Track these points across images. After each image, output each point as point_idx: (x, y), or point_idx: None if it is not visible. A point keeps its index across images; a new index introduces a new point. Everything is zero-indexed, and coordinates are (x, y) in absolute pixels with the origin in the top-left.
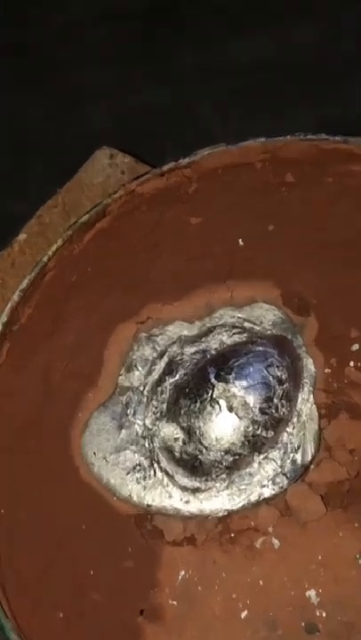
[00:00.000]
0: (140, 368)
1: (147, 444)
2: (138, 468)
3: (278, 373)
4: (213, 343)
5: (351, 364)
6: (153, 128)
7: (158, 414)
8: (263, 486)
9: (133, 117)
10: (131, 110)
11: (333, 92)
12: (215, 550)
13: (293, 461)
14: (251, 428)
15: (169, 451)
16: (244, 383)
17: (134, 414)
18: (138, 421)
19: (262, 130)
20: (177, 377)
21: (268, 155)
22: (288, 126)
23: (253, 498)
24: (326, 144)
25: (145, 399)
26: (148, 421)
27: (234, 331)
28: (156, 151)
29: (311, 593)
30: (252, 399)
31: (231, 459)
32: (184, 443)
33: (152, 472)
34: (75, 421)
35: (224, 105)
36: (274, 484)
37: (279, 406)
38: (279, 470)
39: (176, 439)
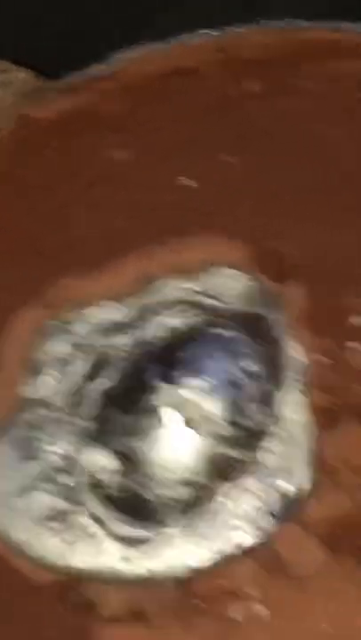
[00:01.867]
0: (51, 371)
1: (66, 481)
2: (55, 515)
3: (250, 366)
4: (154, 329)
5: (354, 344)
6: (64, 26)
7: (80, 436)
8: (237, 529)
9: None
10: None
11: None
12: (175, 628)
13: (280, 492)
14: (214, 447)
15: (99, 487)
16: (201, 383)
17: (46, 439)
18: (51, 448)
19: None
20: (105, 381)
21: (222, 55)
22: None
23: (225, 548)
24: (306, 33)
25: (60, 416)
26: (66, 447)
27: (182, 309)
28: (71, 62)
29: None
30: (214, 405)
31: (190, 493)
32: (120, 474)
33: (76, 520)
34: None
35: None
36: (254, 526)
37: (254, 413)
38: (261, 507)
39: (108, 470)
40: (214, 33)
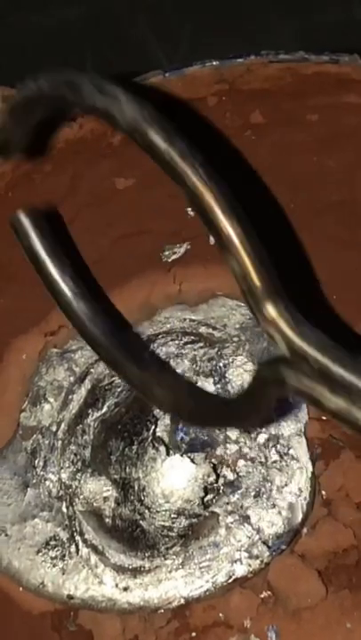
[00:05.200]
0: (51, 399)
1: (64, 509)
2: (53, 543)
3: None
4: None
5: None
6: (65, 54)
7: (79, 464)
8: (235, 561)
9: (37, 38)
10: (33, 29)
11: None
12: None
13: (277, 523)
14: (213, 478)
15: (96, 516)
16: None
17: (45, 466)
18: (50, 476)
19: (224, 51)
20: (104, 409)
21: (224, 85)
22: (262, 43)
23: (221, 579)
24: (308, 66)
25: (59, 444)
26: (64, 475)
27: (185, 339)
28: None
29: None
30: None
31: (186, 523)
32: (117, 503)
33: (73, 548)
34: None
35: (167, 19)
36: (250, 557)
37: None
38: (257, 537)
39: (106, 499)
40: (217, 64)
